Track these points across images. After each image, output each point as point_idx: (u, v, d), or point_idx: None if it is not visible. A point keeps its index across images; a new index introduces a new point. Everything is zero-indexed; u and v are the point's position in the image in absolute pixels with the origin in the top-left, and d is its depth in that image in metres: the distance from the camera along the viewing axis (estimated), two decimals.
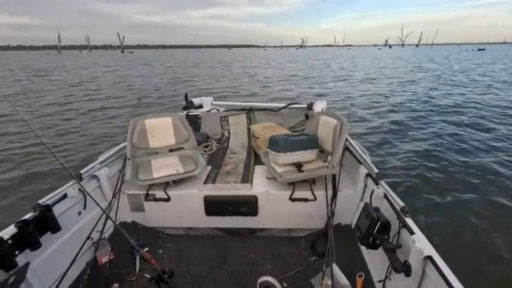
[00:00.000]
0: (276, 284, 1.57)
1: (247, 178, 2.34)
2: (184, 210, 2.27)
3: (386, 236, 1.47)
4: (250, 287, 1.78)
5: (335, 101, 10.56)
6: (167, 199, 2.23)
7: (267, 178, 2.35)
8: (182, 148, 2.58)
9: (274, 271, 1.86)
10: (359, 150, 2.31)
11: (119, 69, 28.83)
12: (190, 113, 3.50)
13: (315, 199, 2.16)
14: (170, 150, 2.55)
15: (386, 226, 1.46)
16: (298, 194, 2.17)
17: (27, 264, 1.42)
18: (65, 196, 1.83)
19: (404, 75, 18.88)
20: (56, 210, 1.71)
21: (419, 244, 1.30)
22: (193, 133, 2.63)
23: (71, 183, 1.92)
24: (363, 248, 1.92)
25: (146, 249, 2.07)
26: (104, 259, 1.93)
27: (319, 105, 3.15)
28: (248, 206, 2.20)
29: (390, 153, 5.29)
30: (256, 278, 1.84)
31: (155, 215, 2.31)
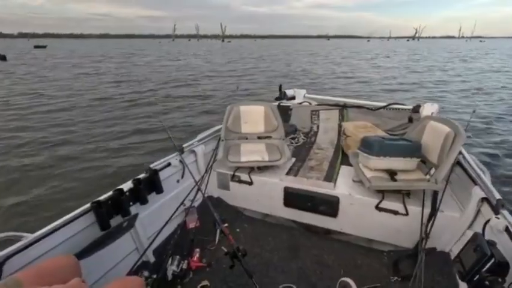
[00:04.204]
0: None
1: (330, 177, 2.25)
2: (264, 196, 2.35)
3: (500, 279, 1.19)
4: (318, 286, 1.73)
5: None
6: (250, 183, 2.34)
7: (353, 181, 2.20)
8: (270, 137, 2.65)
9: None
10: (475, 167, 1.90)
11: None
12: (282, 104, 3.55)
13: (406, 214, 1.91)
14: (259, 138, 2.65)
15: (502, 267, 1.17)
16: (386, 204, 1.95)
17: (136, 215, 1.74)
18: (169, 164, 2.13)
19: None
20: (161, 175, 2.02)
21: None
22: (282, 124, 2.67)
23: (174, 154, 2.22)
24: (462, 284, 1.60)
25: (226, 224, 2.24)
26: (191, 225, 2.20)
27: (429, 108, 2.71)
28: (328, 205, 2.11)
29: None
30: (325, 279, 1.78)
31: (237, 196, 2.47)
